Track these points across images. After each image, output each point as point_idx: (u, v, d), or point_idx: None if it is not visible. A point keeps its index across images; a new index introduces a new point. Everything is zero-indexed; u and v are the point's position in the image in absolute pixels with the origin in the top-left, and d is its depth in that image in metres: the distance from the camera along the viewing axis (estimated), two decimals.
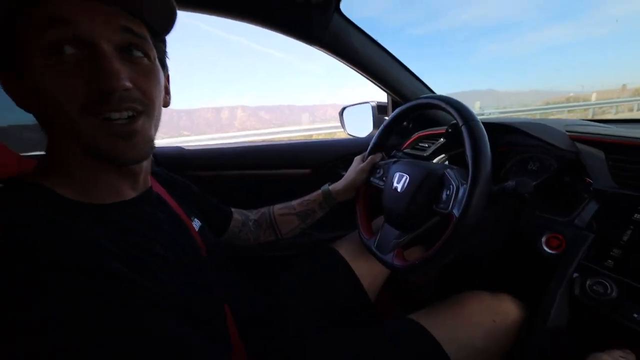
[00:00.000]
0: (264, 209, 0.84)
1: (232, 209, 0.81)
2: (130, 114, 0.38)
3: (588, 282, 0.48)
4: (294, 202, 0.84)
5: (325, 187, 0.85)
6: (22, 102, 0.38)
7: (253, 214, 0.84)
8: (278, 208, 0.84)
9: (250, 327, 0.56)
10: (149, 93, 0.40)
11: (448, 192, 0.57)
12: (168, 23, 0.42)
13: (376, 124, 1.21)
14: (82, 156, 0.39)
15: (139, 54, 0.39)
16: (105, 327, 0.30)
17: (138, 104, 0.38)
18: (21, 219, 0.33)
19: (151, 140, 0.43)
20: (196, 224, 0.60)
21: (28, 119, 0.39)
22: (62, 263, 0.30)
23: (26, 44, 0.33)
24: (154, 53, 0.41)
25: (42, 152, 0.42)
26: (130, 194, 0.47)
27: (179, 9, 0.42)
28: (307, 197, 0.85)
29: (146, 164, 0.49)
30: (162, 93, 0.45)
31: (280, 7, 0.81)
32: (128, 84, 0.35)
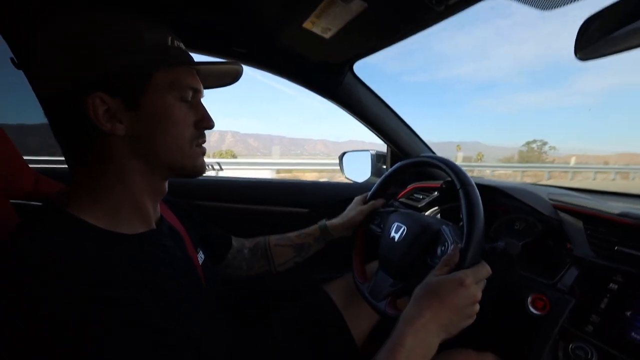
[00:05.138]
0: (259, 238, 0.85)
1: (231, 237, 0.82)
2: None
3: (571, 346, 0.50)
4: (291, 234, 0.86)
5: (323, 222, 0.86)
6: (111, 126, 0.43)
7: (248, 242, 0.84)
8: (274, 238, 0.85)
9: None
10: None
11: (443, 248, 0.60)
12: None
13: (374, 172, 1.27)
14: (137, 183, 0.47)
15: None
16: None
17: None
18: (58, 254, 0.35)
19: None
20: (200, 256, 0.62)
21: None
22: (92, 304, 0.34)
23: (162, 89, 0.46)
24: None
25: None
26: (151, 224, 0.50)
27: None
28: (304, 231, 0.86)
29: None
30: None
31: (302, 64, 0.91)
32: None
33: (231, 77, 0.59)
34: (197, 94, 0.51)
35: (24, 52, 0.73)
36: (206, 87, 0.57)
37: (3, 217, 0.56)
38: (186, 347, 0.39)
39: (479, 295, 0.50)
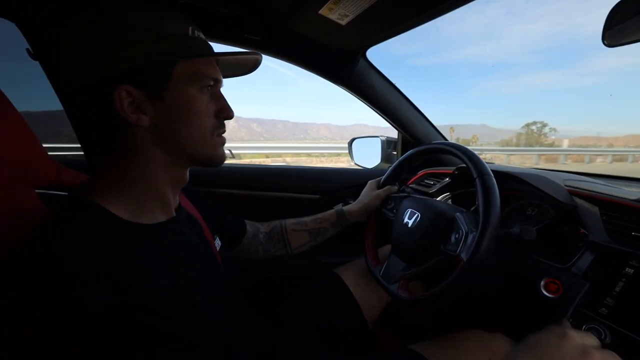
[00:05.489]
0: (275, 222, 0.86)
1: (245, 221, 0.83)
2: None
3: (584, 327, 0.51)
4: (307, 219, 0.86)
5: (339, 207, 0.87)
6: (136, 117, 0.44)
7: (264, 227, 0.84)
8: (290, 223, 0.85)
9: (253, 352, 0.57)
10: None
11: (457, 236, 0.60)
12: None
13: (384, 158, 1.28)
14: (160, 173, 0.47)
15: None
16: None
17: None
18: (89, 247, 0.37)
19: None
20: (217, 243, 0.63)
21: None
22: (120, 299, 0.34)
23: (184, 80, 0.46)
24: None
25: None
26: (171, 212, 0.51)
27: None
28: (319, 216, 0.86)
29: None
30: None
31: (316, 51, 0.90)
32: None
33: (249, 67, 0.59)
34: (217, 84, 0.51)
35: (41, 44, 0.73)
36: (224, 77, 0.57)
37: (32, 207, 0.57)
38: (204, 332, 0.40)
39: (590, 349, 0.44)
